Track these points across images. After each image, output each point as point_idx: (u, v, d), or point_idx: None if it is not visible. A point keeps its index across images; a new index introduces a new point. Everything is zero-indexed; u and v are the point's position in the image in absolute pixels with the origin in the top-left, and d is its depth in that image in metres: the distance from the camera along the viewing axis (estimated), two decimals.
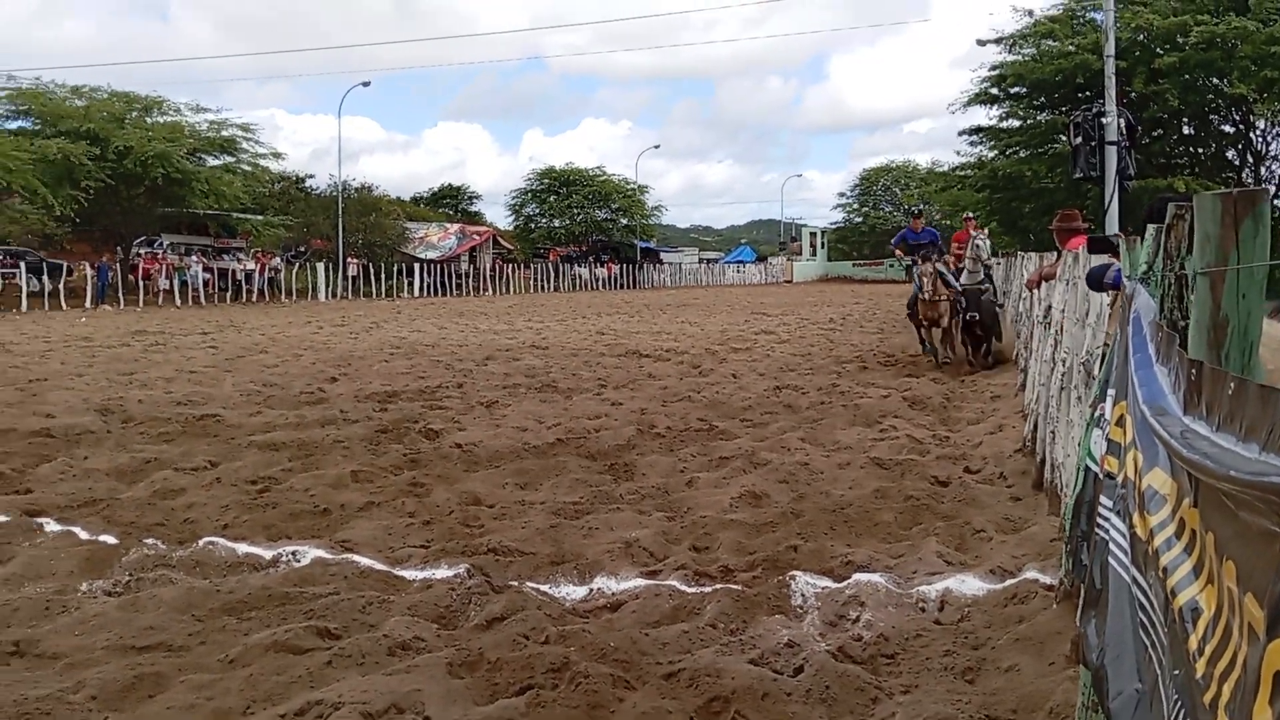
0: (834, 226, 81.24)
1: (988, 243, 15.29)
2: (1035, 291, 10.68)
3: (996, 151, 41.29)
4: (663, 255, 68.11)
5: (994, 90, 39.96)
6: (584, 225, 65.64)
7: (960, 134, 44.65)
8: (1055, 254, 9.60)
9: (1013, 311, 16.70)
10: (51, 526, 6.36)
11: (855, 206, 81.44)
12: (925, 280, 14.53)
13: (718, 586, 5.18)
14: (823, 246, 76.90)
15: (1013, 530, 6.16)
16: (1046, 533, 5.73)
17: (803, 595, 5.04)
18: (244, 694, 3.88)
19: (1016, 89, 39.54)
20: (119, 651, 4.39)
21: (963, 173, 43.97)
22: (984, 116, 41.72)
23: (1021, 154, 39.54)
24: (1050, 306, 8.24)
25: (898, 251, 17.24)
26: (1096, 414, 3.58)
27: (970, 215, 17.60)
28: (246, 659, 4.26)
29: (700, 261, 72.04)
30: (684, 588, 5.19)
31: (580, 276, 55.38)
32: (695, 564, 5.60)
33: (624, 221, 67.36)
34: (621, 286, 56.35)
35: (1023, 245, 28.99)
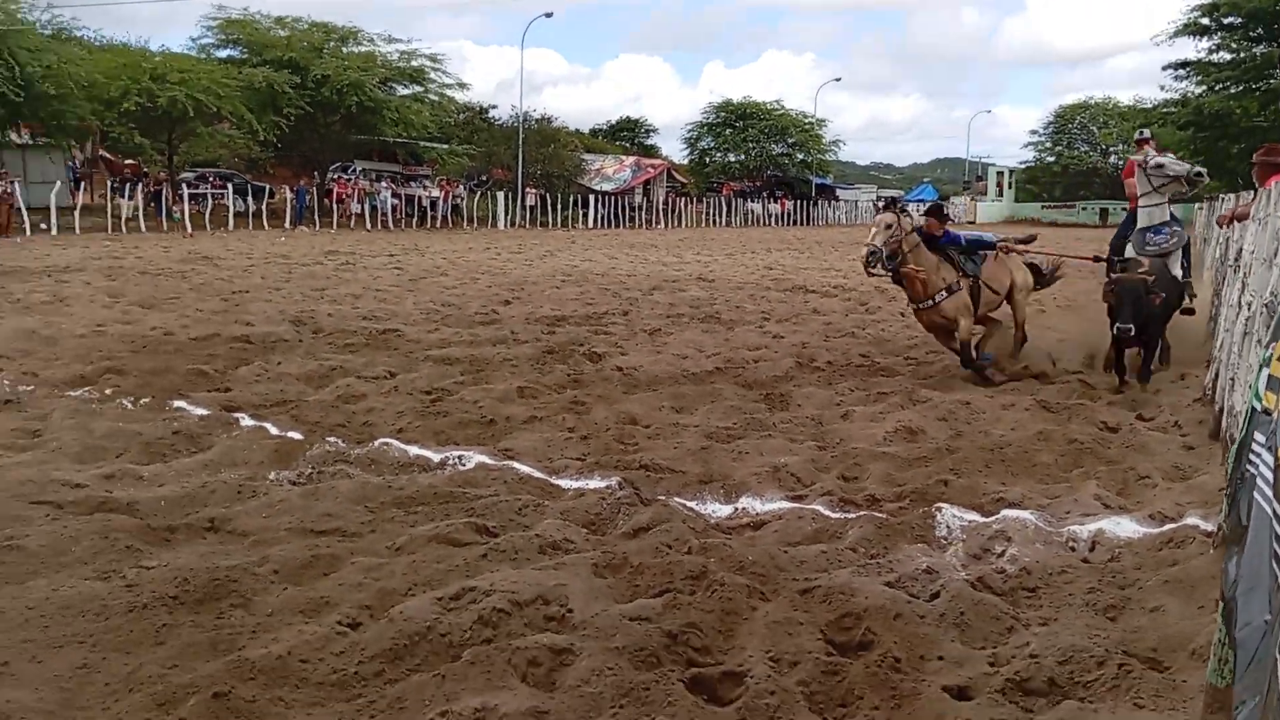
0: (1023, 166, 77.33)
1: (1183, 166, 9.12)
2: (1226, 230, 10.00)
3: (1204, 88, 38.34)
4: (839, 192, 66.63)
5: (1205, 21, 37.00)
6: (759, 160, 64.84)
7: (1165, 69, 41.65)
8: (1252, 193, 8.94)
9: (1210, 260, 15.53)
10: (246, 421, 6.94)
11: (1047, 145, 77.10)
12: (908, 269, 8.81)
13: (861, 514, 5.22)
14: (1010, 187, 73.39)
15: (1180, 478, 5.92)
16: (1216, 481, 5.48)
17: (948, 527, 5.02)
18: (406, 578, 4.20)
19: (1230, 19, 36.48)
20: (299, 533, 4.81)
21: (1166, 110, 41.07)
22: (1192, 50, 38.74)
23: (1231, 90, 36.58)
24: (1241, 249, 7.74)
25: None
26: (1269, 353, 3.42)
27: (1145, 132, 11.04)
28: (410, 548, 4.60)
29: (877, 199, 70.19)
30: (828, 512, 5.24)
31: (753, 212, 54.89)
32: (842, 492, 5.65)
33: (800, 157, 66.14)
34: (794, 223, 55.57)
35: (1230, 190, 26.97)
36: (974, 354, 9.11)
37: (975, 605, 3.99)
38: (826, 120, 77.64)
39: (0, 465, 5.71)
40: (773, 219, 55.10)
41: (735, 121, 65.59)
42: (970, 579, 4.30)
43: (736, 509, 5.43)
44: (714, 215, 51.55)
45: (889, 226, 8.67)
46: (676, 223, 48.51)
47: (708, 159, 67.10)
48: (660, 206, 50.74)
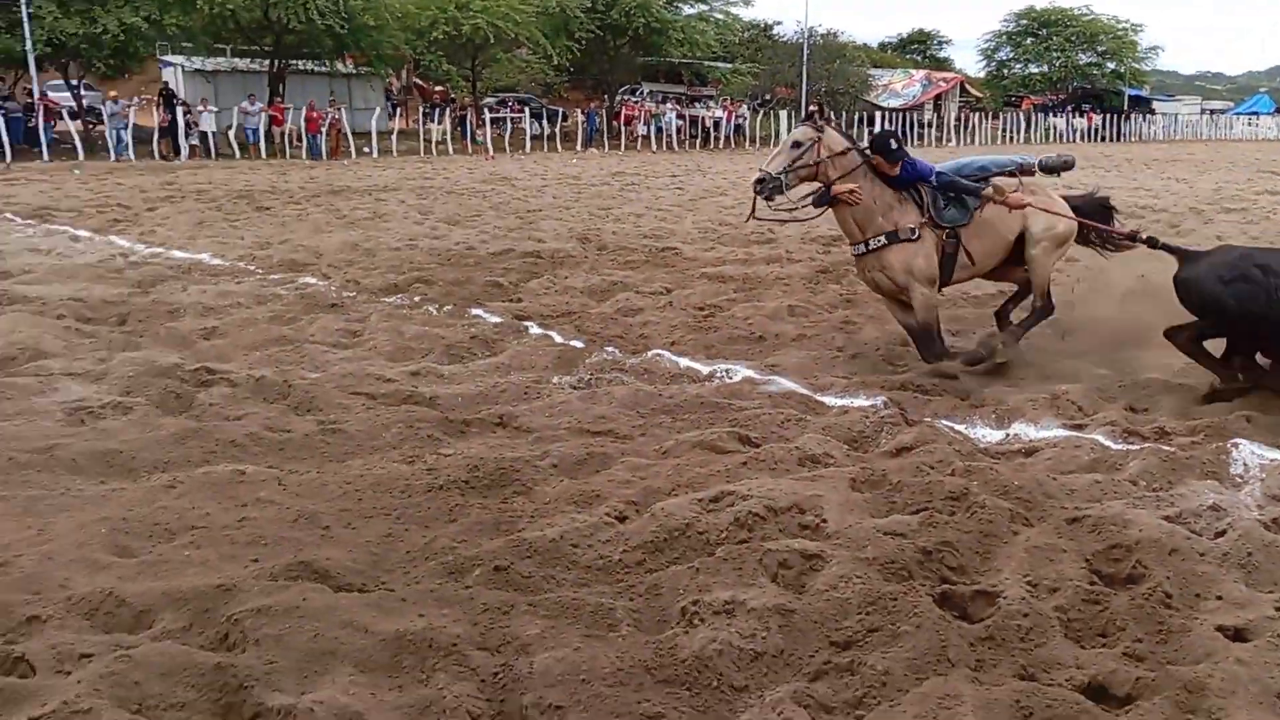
0: None
1: None
2: None
3: None
4: (1155, 105, 60.78)
5: None
6: (1063, 71, 60.11)
7: None
8: None
9: None
10: (534, 330, 7.46)
11: None
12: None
13: (1146, 445, 4.93)
14: None
15: None
16: None
17: (1244, 464, 4.66)
18: (670, 479, 4.43)
19: None
20: (576, 433, 5.17)
21: None
22: None
23: None
24: None
25: None
26: None
27: None
28: (676, 452, 4.84)
29: (1201, 113, 63.39)
30: (1108, 443, 5.00)
31: (1055, 127, 51.18)
32: (1127, 423, 5.35)
33: (1111, 67, 60.71)
34: (1102, 139, 51.38)
35: None
36: (940, 339, 6.39)
37: (1266, 547, 3.72)
38: (1143, 25, 70.42)
39: (326, 360, 6.48)
40: (1078, 135, 51.16)
41: (1038, 30, 60.95)
42: (1265, 520, 3.99)
43: (1008, 434, 5.28)
44: (1012, 132, 48.53)
45: (797, 145, 6.16)
46: (969, 140, 46.11)
47: (1005, 71, 62.92)
48: (952, 123, 48.37)
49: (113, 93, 27.95)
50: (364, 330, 7.37)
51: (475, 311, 7.99)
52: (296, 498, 4.21)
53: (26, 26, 25.85)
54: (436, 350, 6.82)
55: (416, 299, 8.45)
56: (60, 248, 10.98)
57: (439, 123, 31.59)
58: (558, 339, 7.21)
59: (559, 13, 36.06)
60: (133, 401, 5.49)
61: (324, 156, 27.78)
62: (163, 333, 7.17)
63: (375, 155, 28.55)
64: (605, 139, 35.38)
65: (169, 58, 35.42)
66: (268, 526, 3.91)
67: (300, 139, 28.24)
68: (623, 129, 36.91)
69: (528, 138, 33.12)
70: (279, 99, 31.16)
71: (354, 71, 35.97)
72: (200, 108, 28.51)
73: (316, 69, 34.80)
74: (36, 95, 26.91)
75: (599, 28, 37.81)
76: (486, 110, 34.68)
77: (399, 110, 38.18)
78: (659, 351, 6.78)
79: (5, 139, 24.39)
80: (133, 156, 25.78)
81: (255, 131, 28.29)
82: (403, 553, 3.77)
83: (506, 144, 31.68)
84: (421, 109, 34.76)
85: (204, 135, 27.57)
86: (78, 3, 26.86)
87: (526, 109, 36.74)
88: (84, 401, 5.42)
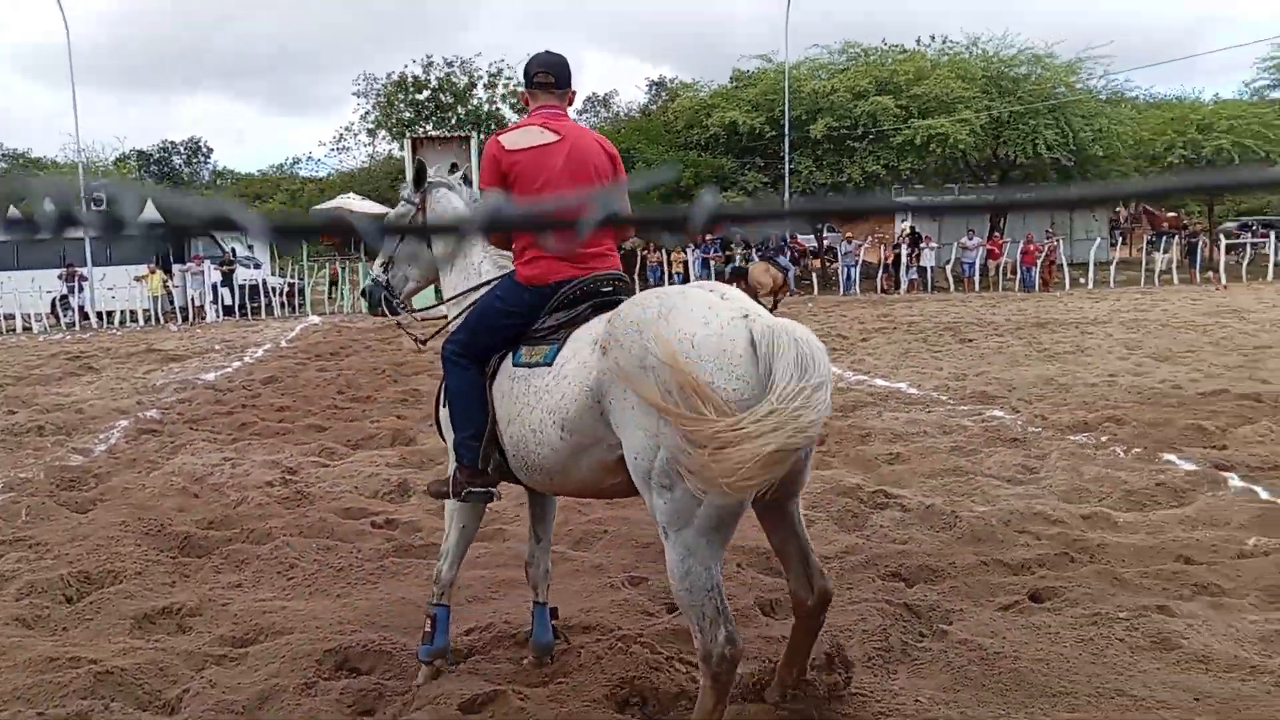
0: None
1: None
2: None
3: None
4: None
5: None
6: None
7: None
8: None
9: None
10: (1235, 482, 6.67)
11: None
12: None
13: None
14: None
15: None
16: None
17: None
18: None
19: None
20: (1264, 604, 4.54)
21: None
22: None
23: None
24: None
25: None
26: None
27: None
28: None
29: None
30: None
31: None
32: None
33: None
34: None
35: None
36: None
37: None
38: None
39: (997, 494, 6.53)
40: None
41: None
42: None
43: None
44: None
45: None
46: None
47: None
48: None
49: (849, 234, 31.14)
50: (1042, 468, 7.26)
51: (1167, 456, 7.40)
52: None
53: (787, 181, 30.17)
54: (1115, 495, 6.47)
55: (1104, 439, 8.08)
56: None
57: (1165, 251, 29.67)
58: (1263, 495, 6.37)
59: None
60: (816, 515, 6.12)
61: (1035, 288, 27.71)
62: (852, 454, 7.84)
63: (1091, 286, 27.72)
64: None
65: (903, 199, 38.52)
66: None
67: (1015, 271, 28.57)
68: None
69: (1270, 265, 29.50)
70: (998, 233, 31.94)
71: None
72: (923, 244, 30.42)
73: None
74: (789, 238, 31.08)
75: None
76: (1223, 235, 31.71)
77: (1123, 239, 36.64)
78: None
79: None
80: (858, 291, 28.34)
81: (971, 265, 29.31)
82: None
83: (1243, 272, 28.53)
84: (1147, 237, 32.98)
85: (922, 270, 29.28)
86: (829, 158, 30.68)
87: (1273, 232, 32.83)
88: None
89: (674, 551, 3.20)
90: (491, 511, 6.32)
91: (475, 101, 36.14)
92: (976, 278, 29.10)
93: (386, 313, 4.47)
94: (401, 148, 32.19)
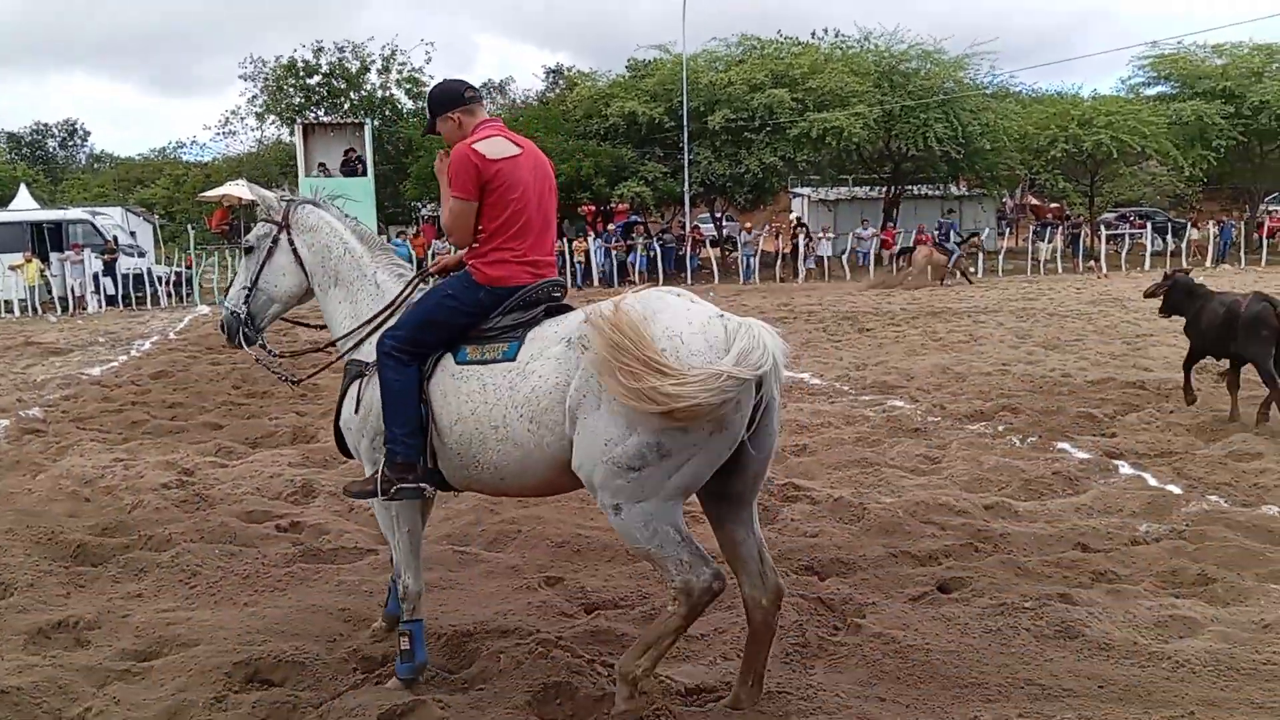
0: None
1: None
2: None
3: None
4: None
5: None
6: None
7: None
8: None
9: None
10: (1125, 469, 6.98)
11: None
12: None
13: None
14: None
15: None
16: None
17: None
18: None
19: None
20: (1155, 590, 4.76)
21: None
22: None
23: None
24: None
25: None
26: None
27: None
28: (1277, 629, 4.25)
29: None
30: None
31: None
32: None
33: None
34: None
35: None
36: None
37: None
38: None
39: (902, 485, 6.69)
40: None
41: None
42: None
43: None
44: None
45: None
46: None
47: None
48: None
49: (748, 224, 31.49)
50: (943, 458, 7.47)
51: (1061, 445, 7.69)
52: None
53: (686, 172, 30.35)
54: (1014, 484, 6.69)
55: (1000, 428, 8.36)
56: None
57: (1049, 241, 30.81)
58: (1151, 481, 6.67)
59: (1195, 121, 33.40)
60: None
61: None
62: None
63: (980, 275, 28.58)
64: (1243, 253, 31.68)
65: (798, 190, 39.14)
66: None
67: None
68: (1264, 242, 32.81)
69: (1147, 254, 30.86)
70: (891, 224, 32.68)
71: (965, 194, 36.60)
72: (820, 234, 30.97)
73: (930, 193, 36.04)
74: (688, 228, 31.26)
75: (1243, 134, 34.28)
76: (1103, 226, 33.04)
77: (1009, 229, 37.89)
78: (1276, 508, 5.96)
79: (660, 266, 28.63)
80: (757, 280, 28.70)
81: (866, 255, 29.94)
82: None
83: (1123, 261, 29.78)
84: (1032, 228, 34.16)
85: (819, 259, 29.81)
86: (727, 149, 30.95)
87: (1149, 223, 34.34)
88: (686, 507, 6.20)
89: (631, 518, 3.41)
90: None
91: (368, 87, 35.34)
92: (871, 267, 29.73)
93: (244, 346, 4.37)
94: (292, 133, 31.35)
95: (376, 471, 3.89)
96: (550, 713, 3.73)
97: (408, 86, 35.16)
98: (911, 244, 28.47)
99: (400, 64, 35.12)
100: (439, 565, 5.31)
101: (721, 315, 3.46)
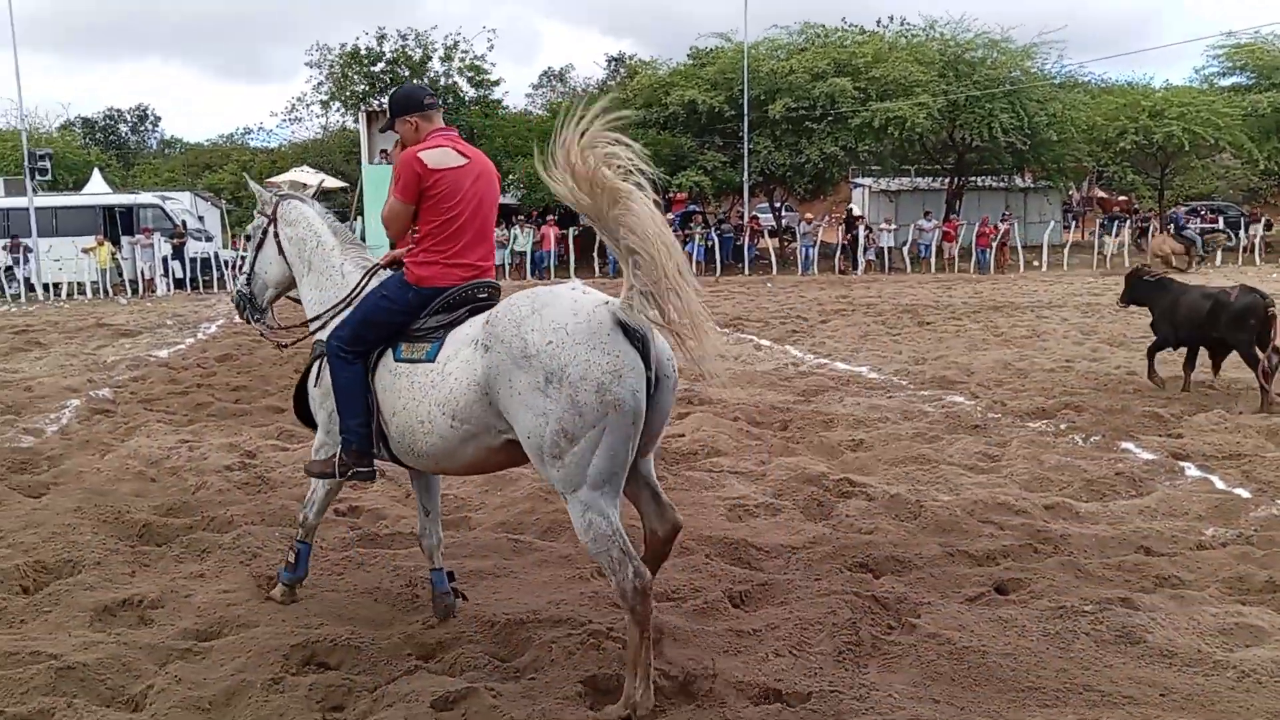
0: None
1: None
2: None
3: None
4: None
5: None
6: None
7: None
8: None
9: None
10: (1191, 471, 6.81)
11: None
12: None
13: None
14: None
15: None
16: None
17: None
18: None
19: None
20: (1222, 597, 4.64)
21: None
22: None
23: None
24: None
25: None
26: None
27: None
28: None
29: None
30: None
31: None
32: None
33: None
34: None
35: None
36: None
37: None
38: None
39: (960, 483, 6.59)
40: None
41: None
42: None
43: None
44: None
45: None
46: None
47: None
48: None
49: (809, 215, 31.23)
50: (1003, 456, 7.35)
51: (1126, 445, 7.52)
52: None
53: (746, 161, 30.18)
54: (1076, 484, 6.56)
55: (1063, 426, 8.20)
56: (745, 355, 12.57)
57: (1116, 235, 30.14)
58: (1219, 484, 6.50)
59: (1271, 113, 32.44)
60: (781, 504, 6.14)
61: (990, 270, 28.02)
62: (816, 441, 7.87)
63: (1045, 269, 28.07)
64: None
65: (859, 180, 38.72)
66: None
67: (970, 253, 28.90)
68: None
69: (1219, 250, 30.05)
70: (954, 215, 32.20)
71: (1031, 185, 35.94)
72: (882, 225, 30.61)
73: (994, 185, 35.44)
74: (747, 218, 31.09)
75: None
76: (1174, 221, 32.24)
77: (1076, 222, 37.15)
78: None
79: (718, 256, 28.52)
80: (816, 271, 28.47)
81: (927, 247, 29.54)
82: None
83: (1192, 256, 29.01)
84: (1099, 221, 33.44)
85: (880, 251, 29.47)
86: (787, 138, 30.72)
87: (1220, 218, 33.44)
88: (743, 500, 6.20)
89: (574, 510, 3.64)
90: (457, 500, 6.29)
91: (431, 75, 35.59)
92: (932, 259, 29.34)
93: (250, 320, 5.04)
94: (356, 120, 31.69)
95: (333, 455, 4.31)
96: (602, 704, 3.74)
97: (470, 74, 35.31)
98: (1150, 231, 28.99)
99: (463, 52, 35.28)
100: (493, 553, 5.36)
101: (607, 302, 3.65)
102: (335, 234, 4.75)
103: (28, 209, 26.83)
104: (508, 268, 28.20)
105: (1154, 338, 9.71)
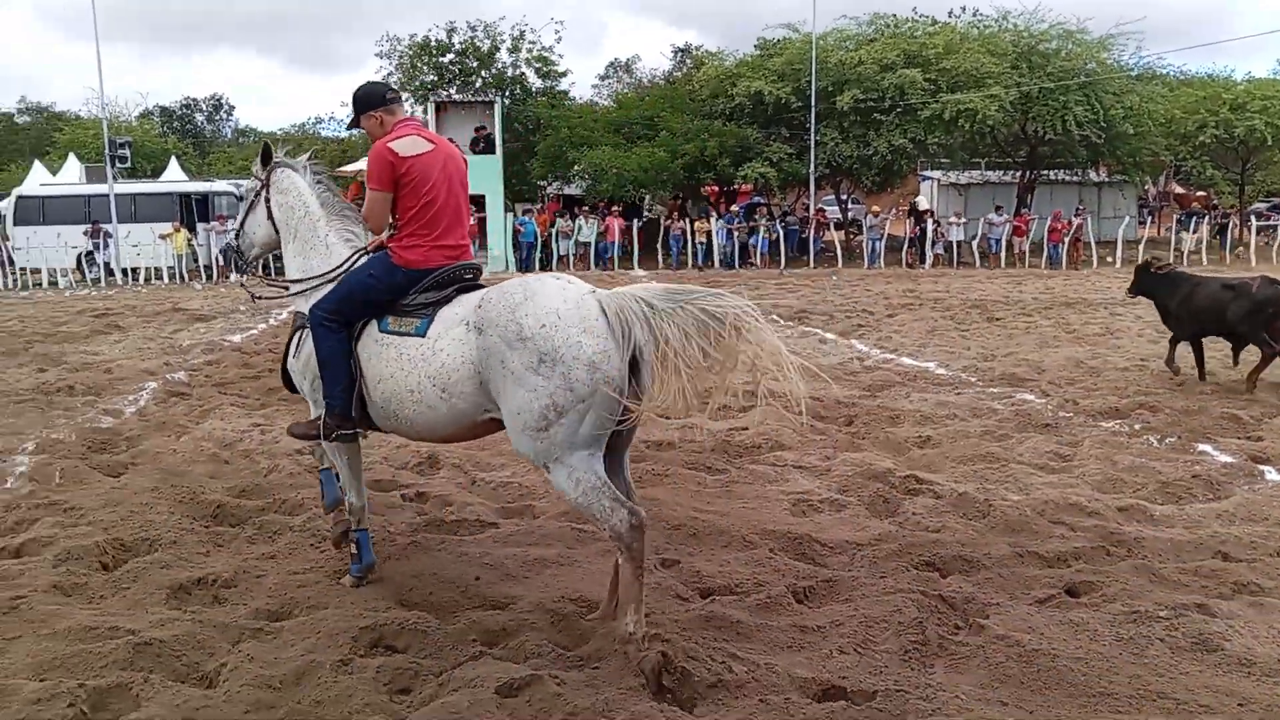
0: None
1: None
2: None
3: None
4: None
5: None
6: None
7: None
8: None
9: None
10: (1272, 475, 6.60)
11: None
12: None
13: None
14: None
15: None
16: None
17: None
18: None
19: None
20: None
21: None
22: None
23: None
24: None
25: None
26: None
27: None
28: None
29: None
30: None
31: None
32: None
33: None
34: None
35: None
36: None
37: None
38: None
39: (1030, 482, 6.47)
40: None
41: None
42: None
43: None
44: None
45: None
46: None
47: None
48: None
49: (875, 208, 30.85)
50: (1075, 456, 7.20)
51: (1203, 447, 7.32)
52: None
53: (813, 153, 29.91)
54: (1151, 486, 6.40)
55: (1137, 426, 8.00)
56: (810, 349, 12.47)
57: (1194, 231, 29.31)
58: None
59: None
60: (846, 500, 6.09)
61: (1063, 265, 27.46)
62: (882, 437, 7.79)
63: (1118, 265, 27.41)
64: None
65: (928, 173, 38.16)
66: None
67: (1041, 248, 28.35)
68: None
69: None
70: (1025, 210, 31.59)
71: (1105, 180, 35.12)
72: (951, 219, 30.14)
73: (1067, 178, 34.70)
74: (812, 210, 30.82)
75: None
76: (1254, 217, 31.28)
77: (1151, 218, 36.23)
78: None
79: (783, 248, 28.32)
80: (882, 265, 28.14)
81: (998, 241, 29.02)
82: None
83: (1274, 254, 28.15)
84: (1176, 217, 32.56)
85: (949, 245, 29.02)
86: (855, 130, 30.37)
87: None
88: (807, 495, 6.15)
89: (559, 475, 3.94)
90: (521, 488, 6.34)
91: (499, 65, 35.81)
92: (1002, 254, 28.83)
93: (234, 269, 5.46)
94: (425, 111, 32.01)
95: (319, 418, 4.57)
96: (664, 695, 3.74)
97: (537, 65, 35.45)
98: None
99: (530, 43, 35.43)
100: (557, 542, 5.39)
101: (593, 291, 3.99)
102: (323, 205, 4.97)
103: (108, 195, 27.55)
104: (572, 258, 28.29)
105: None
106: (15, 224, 27.75)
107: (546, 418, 3.85)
